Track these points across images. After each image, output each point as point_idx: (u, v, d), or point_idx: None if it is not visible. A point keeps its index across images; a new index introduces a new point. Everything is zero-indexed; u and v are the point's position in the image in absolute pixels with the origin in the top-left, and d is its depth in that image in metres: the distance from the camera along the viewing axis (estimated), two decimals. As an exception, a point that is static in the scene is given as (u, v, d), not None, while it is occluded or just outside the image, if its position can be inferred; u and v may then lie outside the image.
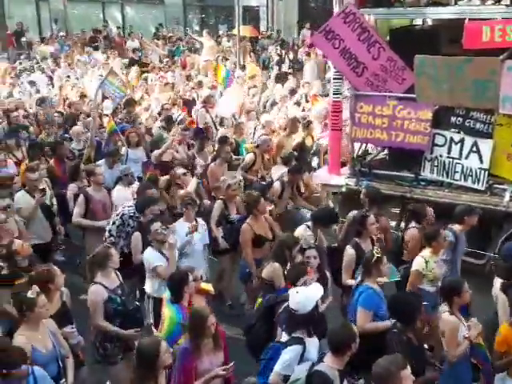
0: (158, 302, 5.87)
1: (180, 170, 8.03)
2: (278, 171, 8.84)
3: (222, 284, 7.58)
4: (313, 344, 4.69)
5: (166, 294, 5.42)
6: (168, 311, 5.25)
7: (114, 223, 7.00)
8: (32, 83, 13.97)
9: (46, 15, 27.96)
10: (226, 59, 17.28)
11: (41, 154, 9.26)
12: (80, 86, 14.37)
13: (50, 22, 27.79)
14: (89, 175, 7.75)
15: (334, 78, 8.95)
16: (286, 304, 5.00)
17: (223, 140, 9.38)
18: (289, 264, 5.85)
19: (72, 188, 8.12)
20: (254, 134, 10.99)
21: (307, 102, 12.85)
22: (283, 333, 4.89)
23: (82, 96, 13.23)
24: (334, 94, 8.93)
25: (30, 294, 4.80)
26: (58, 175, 8.78)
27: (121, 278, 5.80)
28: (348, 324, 4.61)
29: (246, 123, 11.27)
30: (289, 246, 5.91)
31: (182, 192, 7.63)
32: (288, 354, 4.57)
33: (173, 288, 5.30)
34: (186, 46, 24.06)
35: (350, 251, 6.27)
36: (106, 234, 7.02)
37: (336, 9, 8.72)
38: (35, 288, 4.88)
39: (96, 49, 21.12)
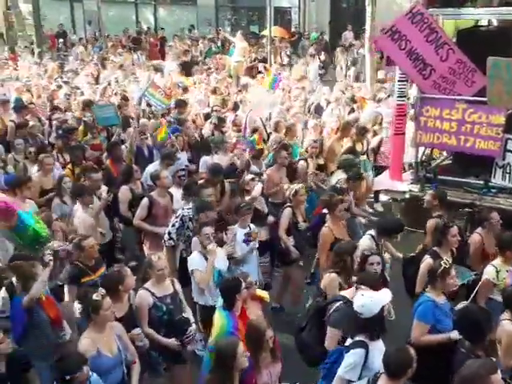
0: (203, 309, 5.97)
1: (248, 176, 7.80)
2: (338, 177, 8.54)
3: (287, 293, 7.37)
4: (377, 348, 4.53)
5: (219, 301, 5.33)
6: (219, 318, 5.17)
7: (173, 225, 6.87)
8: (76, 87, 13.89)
9: (80, 17, 28.01)
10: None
11: (83, 156, 9.09)
12: (122, 88, 14.17)
13: (84, 24, 27.87)
14: (154, 179, 7.53)
15: (398, 81, 8.68)
16: (338, 304, 5.00)
17: (281, 145, 9.12)
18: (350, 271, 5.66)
19: (124, 190, 7.91)
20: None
21: (354, 102, 12.53)
22: (347, 337, 4.73)
23: (124, 99, 13.05)
24: (398, 96, 8.65)
25: (95, 297, 4.73)
26: (114, 176, 8.63)
27: (177, 287, 5.67)
28: (405, 348, 4.34)
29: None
30: (348, 253, 5.71)
31: (247, 197, 7.47)
32: (351, 358, 4.47)
33: (225, 295, 5.23)
34: (217, 48, 23.98)
35: (427, 261, 6.01)
36: (166, 236, 6.90)
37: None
38: (101, 290, 4.82)
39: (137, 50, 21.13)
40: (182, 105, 11.43)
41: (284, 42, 21.97)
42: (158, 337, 5.37)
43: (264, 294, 5.69)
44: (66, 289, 6.03)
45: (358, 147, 10.10)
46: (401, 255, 6.67)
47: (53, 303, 5.62)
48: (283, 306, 7.52)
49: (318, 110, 12.34)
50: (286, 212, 7.18)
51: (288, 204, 7.31)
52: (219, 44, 25.03)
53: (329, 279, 5.67)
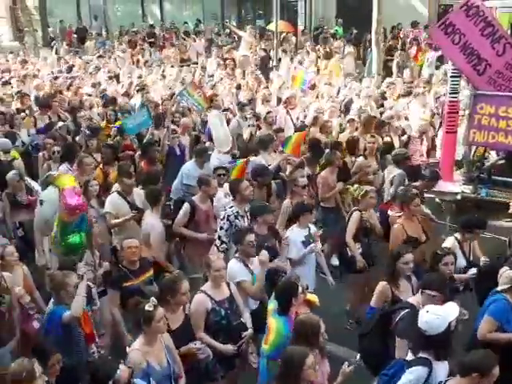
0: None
1: (301, 176, 7.35)
2: (391, 173, 8.11)
3: (352, 302, 7.03)
4: (441, 368, 4.26)
5: (272, 305, 5.08)
6: (275, 323, 4.92)
7: (221, 228, 6.54)
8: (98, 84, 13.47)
9: (86, 12, 27.52)
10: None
11: (115, 156, 8.71)
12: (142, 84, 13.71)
13: (90, 19, 27.41)
14: (201, 183, 7.08)
15: (451, 76, 8.31)
16: (403, 312, 4.77)
17: (335, 145, 8.69)
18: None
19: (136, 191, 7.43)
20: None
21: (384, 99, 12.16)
22: (409, 351, 4.45)
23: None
24: (450, 93, 8.29)
25: (147, 307, 4.48)
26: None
27: (233, 289, 5.41)
28: (489, 351, 4.14)
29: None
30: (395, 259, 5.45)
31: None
32: (412, 375, 4.21)
33: (281, 299, 4.97)
34: (225, 41, 23.48)
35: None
36: (217, 242, 6.55)
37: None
38: (153, 300, 4.54)
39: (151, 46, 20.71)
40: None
41: (305, 36, 21.32)
42: (214, 343, 5.10)
43: (314, 297, 5.38)
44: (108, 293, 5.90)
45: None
46: (485, 258, 6.25)
47: (88, 318, 5.36)
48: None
49: (349, 106, 11.95)
50: (355, 216, 6.72)
51: (355, 208, 6.87)
52: (225, 38, 24.43)
53: (380, 287, 5.45)
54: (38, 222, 6.96)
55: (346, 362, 4.43)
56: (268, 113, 10.42)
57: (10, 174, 7.67)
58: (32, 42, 23.34)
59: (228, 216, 6.50)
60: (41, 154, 9.00)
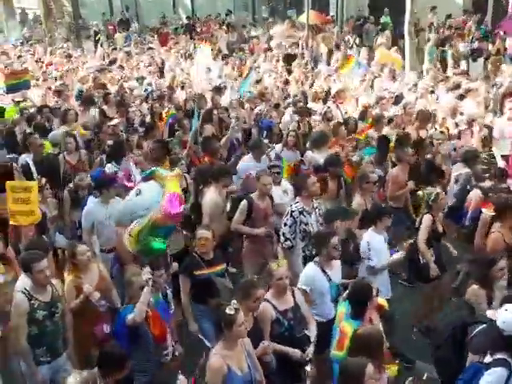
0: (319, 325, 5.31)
1: (370, 169, 7.13)
2: (458, 171, 7.77)
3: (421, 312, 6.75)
4: None
5: (343, 308, 4.93)
6: (349, 328, 4.70)
7: (285, 224, 6.38)
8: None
9: (118, 3, 27.42)
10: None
11: (167, 153, 8.42)
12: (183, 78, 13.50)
13: (122, 9, 27.30)
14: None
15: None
16: (481, 327, 4.55)
17: (402, 141, 8.30)
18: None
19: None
20: None
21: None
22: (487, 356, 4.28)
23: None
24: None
25: (228, 310, 4.30)
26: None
27: (299, 298, 5.17)
28: None
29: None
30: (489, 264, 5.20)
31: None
32: (491, 377, 4.09)
33: (355, 303, 4.80)
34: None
35: None
36: (281, 238, 6.42)
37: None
38: (234, 303, 4.36)
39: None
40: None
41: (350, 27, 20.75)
42: (282, 348, 4.89)
43: (383, 301, 5.21)
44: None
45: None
46: None
47: (158, 318, 5.19)
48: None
49: (399, 100, 11.60)
50: (427, 220, 6.40)
51: (426, 211, 6.55)
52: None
53: (471, 291, 5.19)
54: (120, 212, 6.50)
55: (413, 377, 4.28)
56: (327, 108, 10.14)
57: (82, 175, 7.56)
58: (65, 33, 23.40)
59: (292, 212, 6.34)
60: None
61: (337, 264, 5.63)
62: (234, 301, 4.44)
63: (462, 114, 10.54)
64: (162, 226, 5.52)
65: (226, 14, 28.00)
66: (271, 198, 6.99)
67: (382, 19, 19.30)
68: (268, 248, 6.68)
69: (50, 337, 5.08)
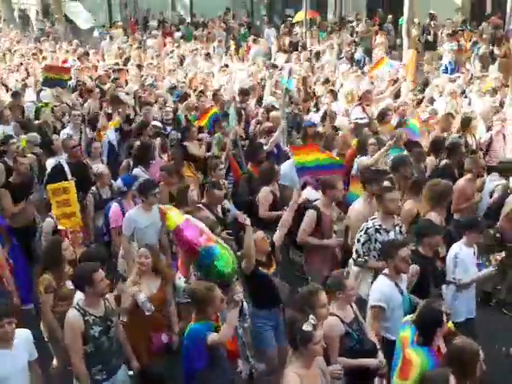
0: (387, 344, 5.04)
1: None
2: (494, 182, 7.58)
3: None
4: None
5: (408, 333, 4.52)
6: (415, 355, 4.36)
7: (358, 241, 6.02)
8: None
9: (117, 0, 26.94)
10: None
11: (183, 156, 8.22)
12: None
13: (120, 7, 26.82)
14: (326, 187, 6.49)
15: None
16: None
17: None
18: None
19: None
20: None
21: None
22: None
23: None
24: None
25: (305, 327, 4.00)
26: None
27: (356, 309, 4.95)
28: None
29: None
30: None
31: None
32: None
33: (424, 328, 4.43)
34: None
35: None
36: (354, 255, 6.08)
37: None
38: (312, 318, 4.05)
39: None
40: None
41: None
42: (354, 361, 4.65)
43: (450, 324, 4.85)
44: None
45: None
46: None
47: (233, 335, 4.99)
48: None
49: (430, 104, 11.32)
50: None
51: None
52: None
53: None
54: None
55: None
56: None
57: (101, 167, 7.30)
58: (62, 29, 22.97)
59: (367, 228, 5.97)
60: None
61: (404, 275, 5.35)
62: (312, 316, 4.14)
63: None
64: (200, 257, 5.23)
65: (225, 13, 27.72)
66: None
67: (401, 21, 19.06)
68: (334, 259, 6.41)
69: (105, 354, 4.77)
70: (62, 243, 5.56)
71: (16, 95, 11.14)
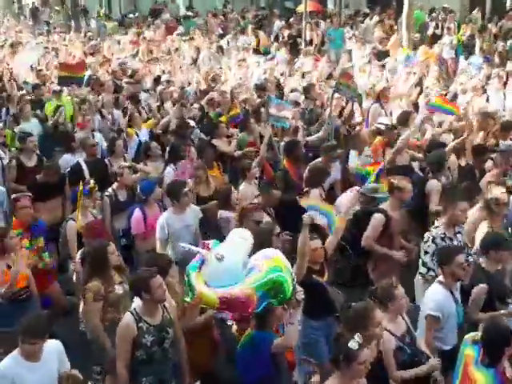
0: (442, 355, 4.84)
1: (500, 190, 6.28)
2: None
3: None
4: None
5: (471, 351, 4.31)
6: (480, 376, 4.17)
7: (426, 252, 5.75)
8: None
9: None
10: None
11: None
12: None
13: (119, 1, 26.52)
14: (394, 189, 6.14)
15: None
16: None
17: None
18: None
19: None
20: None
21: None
22: None
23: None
24: None
25: (351, 344, 3.81)
26: (292, 180, 7.58)
27: (408, 321, 4.76)
28: None
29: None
30: None
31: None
32: None
33: (491, 347, 4.21)
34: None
35: None
36: (422, 269, 5.77)
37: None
38: (358, 336, 3.85)
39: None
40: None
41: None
42: (411, 372, 4.47)
43: None
44: None
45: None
46: None
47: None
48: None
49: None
50: None
51: None
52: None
53: None
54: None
55: None
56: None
57: (122, 164, 7.12)
58: (60, 19, 22.68)
59: (434, 238, 5.72)
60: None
61: (458, 283, 5.16)
62: (359, 334, 3.92)
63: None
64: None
65: (224, 5, 27.47)
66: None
67: (417, 15, 18.96)
68: (397, 270, 6.04)
69: (158, 365, 4.58)
70: (108, 247, 5.35)
71: (36, 87, 10.93)
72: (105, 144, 8.74)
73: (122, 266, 5.54)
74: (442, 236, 5.74)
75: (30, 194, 6.42)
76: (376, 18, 19.91)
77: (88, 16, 23.05)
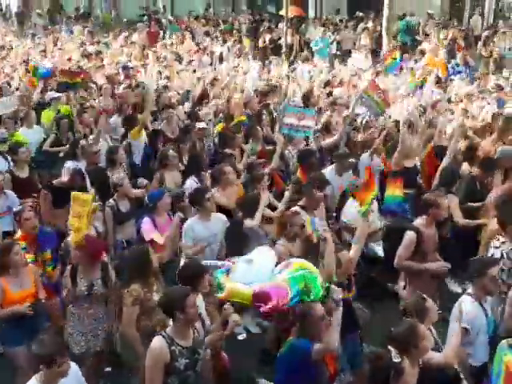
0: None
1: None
2: None
3: None
4: None
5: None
6: None
7: (502, 270, 5.39)
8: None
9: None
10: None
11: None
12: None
13: (100, 2, 26.18)
14: (430, 205, 5.84)
15: None
16: None
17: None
18: None
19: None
20: None
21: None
22: None
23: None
24: None
25: (395, 359, 3.77)
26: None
27: (435, 333, 4.63)
28: None
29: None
30: None
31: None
32: None
33: None
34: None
35: None
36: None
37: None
38: (394, 351, 3.80)
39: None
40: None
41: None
42: None
43: None
44: None
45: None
46: None
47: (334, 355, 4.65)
48: None
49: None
50: None
51: None
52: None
53: None
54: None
55: None
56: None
57: (120, 175, 6.89)
58: (42, 22, 22.31)
59: (507, 254, 5.44)
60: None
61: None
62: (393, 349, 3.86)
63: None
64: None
65: (205, 9, 27.39)
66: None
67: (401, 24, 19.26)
68: (434, 284, 5.95)
69: None
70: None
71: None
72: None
73: (157, 273, 5.32)
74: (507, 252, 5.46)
75: (31, 204, 6.25)
76: (362, 26, 20.10)
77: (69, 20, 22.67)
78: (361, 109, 9.12)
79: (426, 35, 19.44)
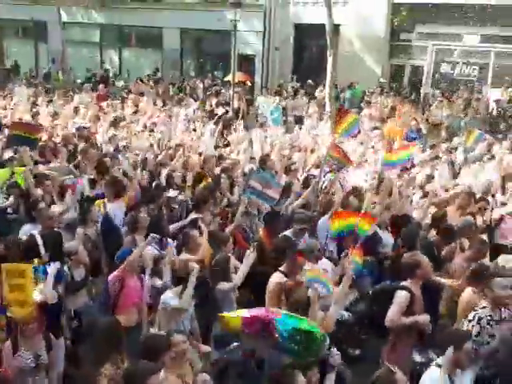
0: None
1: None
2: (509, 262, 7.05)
3: None
4: None
5: None
6: None
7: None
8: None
9: (44, 55, 26.11)
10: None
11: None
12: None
13: (48, 62, 25.99)
14: (414, 268, 5.98)
15: None
16: None
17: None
18: None
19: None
20: None
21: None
22: None
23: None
24: None
25: None
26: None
27: None
28: None
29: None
30: None
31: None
32: None
33: None
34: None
35: None
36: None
37: None
38: None
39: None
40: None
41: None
42: None
43: None
44: None
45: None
46: None
47: None
48: None
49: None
50: None
51: None
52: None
53: None
54: None
55: None
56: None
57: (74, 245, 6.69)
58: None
59: (480, 319, 5.42)
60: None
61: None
62: None
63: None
64: None
65: (154, 72, 27.67)
66: None
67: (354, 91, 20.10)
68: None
69: None
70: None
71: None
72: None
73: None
74: (489, 319, 5.45)
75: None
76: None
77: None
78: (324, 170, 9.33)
79: (369, 103, 20.55)
